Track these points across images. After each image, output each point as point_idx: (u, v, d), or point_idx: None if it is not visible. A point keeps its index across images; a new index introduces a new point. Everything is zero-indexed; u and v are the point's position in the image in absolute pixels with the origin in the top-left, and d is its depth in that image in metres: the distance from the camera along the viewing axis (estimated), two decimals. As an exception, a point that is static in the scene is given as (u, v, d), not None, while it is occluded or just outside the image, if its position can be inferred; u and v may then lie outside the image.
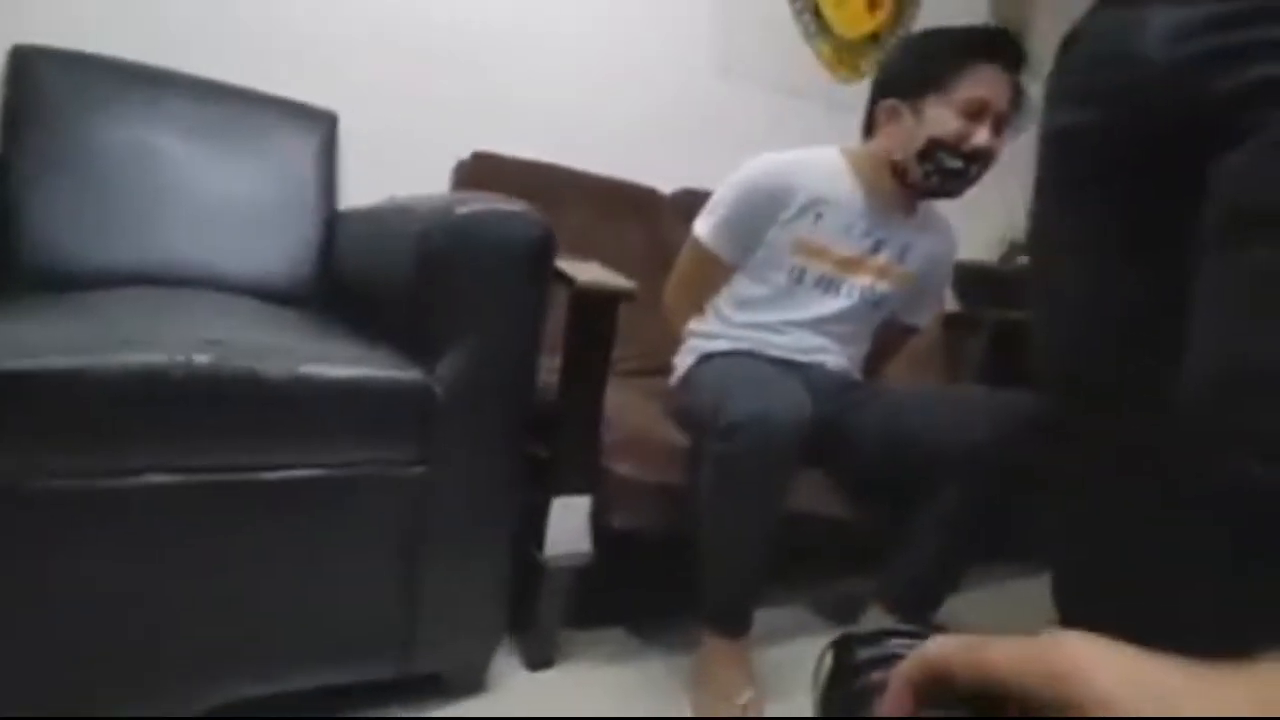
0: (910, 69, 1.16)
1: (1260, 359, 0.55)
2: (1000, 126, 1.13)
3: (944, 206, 1.32)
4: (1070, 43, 0.79)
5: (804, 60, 2.15)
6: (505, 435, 0.98)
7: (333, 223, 1.36)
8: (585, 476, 1.08)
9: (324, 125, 1.41)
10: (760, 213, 1.23)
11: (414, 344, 0.90)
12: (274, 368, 0.78)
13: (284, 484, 0.81)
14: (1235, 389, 0.58)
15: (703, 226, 1.28)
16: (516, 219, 0.91)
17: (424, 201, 0.98)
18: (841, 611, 1.33)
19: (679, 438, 1.12)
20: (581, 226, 1.63)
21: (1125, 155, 0.72)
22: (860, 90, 2.20)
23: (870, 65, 2.24)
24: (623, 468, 1.05)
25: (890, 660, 0.30)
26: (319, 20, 1.52)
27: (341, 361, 0.85)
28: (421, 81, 1.63)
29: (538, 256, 0.93)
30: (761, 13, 2.06)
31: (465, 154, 1.61)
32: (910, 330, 1.40)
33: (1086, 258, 0.80)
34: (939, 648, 0.26)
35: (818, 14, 2.13)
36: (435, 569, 0.94)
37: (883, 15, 2.26)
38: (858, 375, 1.32)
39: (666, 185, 1.87)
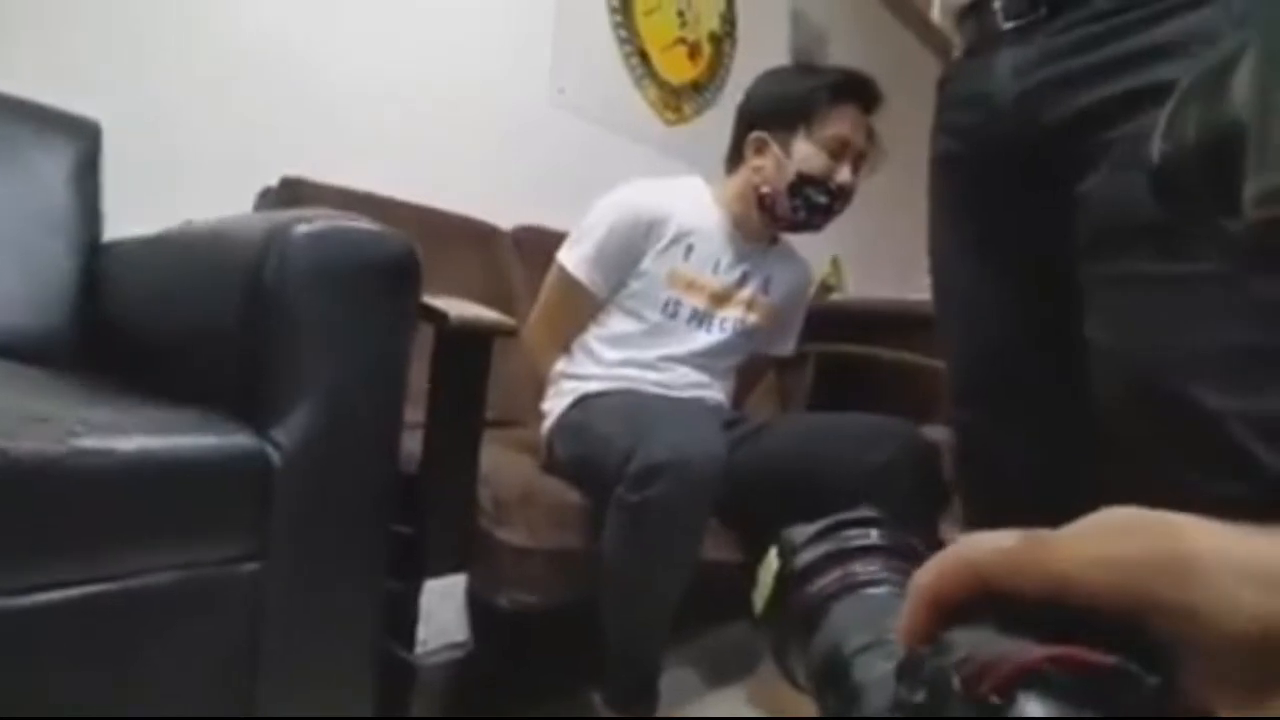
0: (780, 103, 1.16)
1: (1155, 363, 0.57)
2: (858, 165, 1.17)
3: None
4: (942, 84, 0.83)
5: (633, 102, 2.15)
6: (363, 511, 0.78)
7: (96, 257, 1.06)
8: (460, 551, 0.90)
9: (83, 138, 1.11)
10: (633, 242, 1.15)
11: (241, 402, 0.69)
12: (31, 445, 0.54)
13: (65, 606, 0.56)
14: (1141, 397, 0.59)
15: (570, 256, 1.17)
16: (376, 239, 0.74)
17: (245, 224, 0.78)
18: (735, 663, 1.25)
19: (569, 493, 0.98)
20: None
21: (988, 182, 0.75)
22: (686, 133, 2.29)
23: (693, 110, 2.31)
24: (509, 535, 0.89)
25: (845, 556, 0.25)
26: (74, 8, 1.22)
27: (135, 430, 0.62)
28: (218, 94, 1.37)
29: (403, 286, 0.77)
30: (594, 54, 2.04)
31: (272, 180, 1.36)
32: (773, 361, 1.39)
33: (966, 276, 0.82)
34: (978, 548, 0.18)
35: (644, 58, 2.15)
36: (277, 688, 0.71)
37: (702, 64, 2.33)
38: (733, 410, 1.27)
39: (499, 220, 1.75)
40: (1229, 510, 0.56)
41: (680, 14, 2.26)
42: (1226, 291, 0.54)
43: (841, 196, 1.16)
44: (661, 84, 2.21)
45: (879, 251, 3.20)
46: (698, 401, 1.15)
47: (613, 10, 2.05)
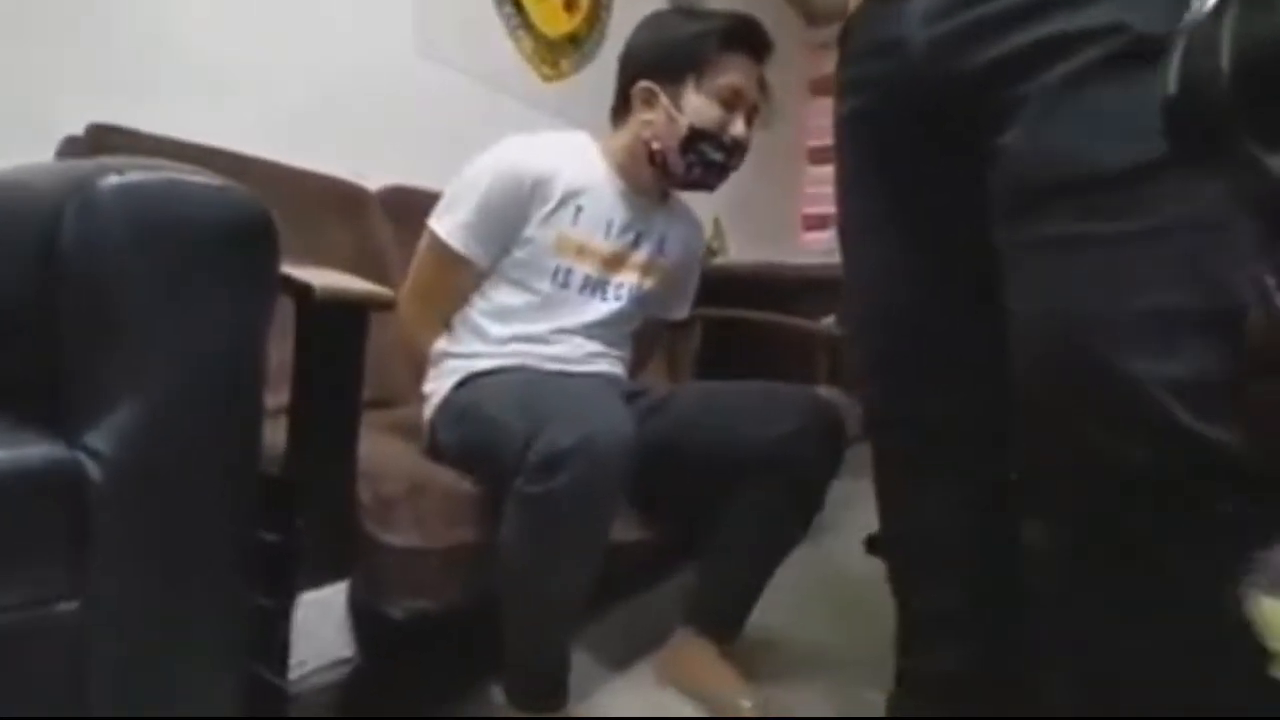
0: (667, 51, 1.07)
1: (1076, 328, 0.56)
2: (751, 118, 1.11)
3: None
4: (845, 35, 0.78)
5: (507, 53, 2.01)
6: (216, 522, 0.66)
7: None
8: (339, 557, 0.79)
9: None
10: (516, 206, 1.04)
11: (43, 403, 0.55)
12: None
13: None
14: (1061, 364, 0.58)
15: (445, 224, 1.05)
16: (213, 194, 0.61)
17: (36, 176, 0.61)
18: (641, 639, 1.20)
19: (461, 483, 0.88)
20: (281, 233, 1.27)
21: (901, 139, 0.71)
22: (565, 89, 2.17)
23: (571, 65, 2.19)
24: (396, 536, 0.79)
25: None
26: None
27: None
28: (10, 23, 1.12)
29: (253, 252, 0.64)
30: (465, 2, 1.87)
31: (77, 129, 1.14)
32: (669, 325, 1.34)
33: (879, 240, 0.79)
34: None
35: (518, 7, 2.00)
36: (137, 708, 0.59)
37: (579, 17, 2.21)
38: (631, 381, 1.21)
39: (365, 181, 1.58)
40: (1151, 480, 0.54)
41: (555, -38, 2.12)
42: (1151, 250, 0.52)
43: (737, 151, 1.10)
44: (538, 37, 2.08)
45: (755, 214, 3.24)
46: (597, 376, 1.08)
47: (482, -49, 1.89)
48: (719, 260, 2.75)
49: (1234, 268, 0.51)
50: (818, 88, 3.77)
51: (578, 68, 2.21)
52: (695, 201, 1.27)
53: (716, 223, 2.88)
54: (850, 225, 0.81)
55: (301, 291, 0.71)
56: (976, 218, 0.65)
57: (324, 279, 0.75)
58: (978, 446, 0.77)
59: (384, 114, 1.71)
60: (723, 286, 2.44)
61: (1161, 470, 0.51)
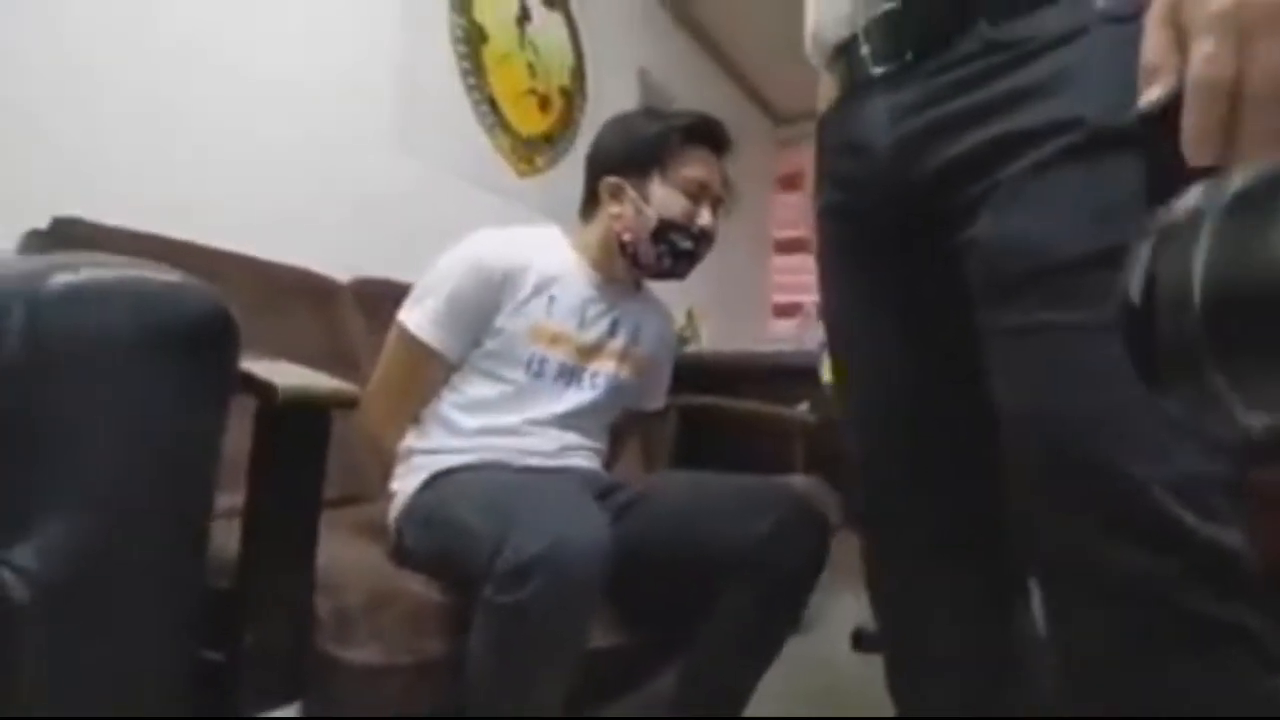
0: (632, 148, 1.11)
1: (1080, 420, 0.55)
2: (716, 209, 1.14)
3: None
4: (820, 129, 0.81)
5: (483, 149, 2.06)
6: (156, 644, 0.60)
7: None
8: (291, 677, 0.72)
9: None
10: (487, 297, 1.04)
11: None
12: None
13: None
14: (1058, 464, 0.56)
15: (415, 317, 1.04)
16: (167, 293, 0.58)
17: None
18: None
19: (428, 589, 0.83)
20: (246, 324, 1.24)
21: (877, 234, 0.72)
22: (539, 185, 2.22)
23: (545, 162, 2.25)
24: (356, 654, 0.73)
25: None
26: None
27: None
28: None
29: (209, 354, 0.61)
30: (440, 98, 1.93)
31: (41, 222, 1.12)
32: (645, 418, 1.32)
33: (865, 332, 0.78)
34: None
35: (494, 106, 2.07)
36: None
37: (553, 117, 2.29)
38: (607, 475, 1.17)
39: (337, 274, 1.57)
40: (1155, 588, 0.50)
41: (530, 65, 2.21)
42: None
43: (705, 240, 1.12)
44: (514, 134, 2.14)
45: (726, 302, 3.29)
46: (571, 472, 1.04)
47: (460, 56, 1.96)
48: (692, 348, 2.77)
49: None
50: (784, 183, 3.92)
51: (552, 164, 2.27)
52: (668, 291, 1.28)
53: (690, 313, 2.92)
54: (834, 317, 0.81)
55: (264, 391, 0.68)
56: (960, 308, 0.64)
57: (287, 378, 0.72)
58: (975, 545, 0.75)
59: (359, 206, 1.72)
60: (697, 374, 2.45)
61: (1167, 577, 0.49)
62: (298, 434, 0.72)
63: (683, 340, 2.87)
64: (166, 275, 0.60)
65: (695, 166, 1.09)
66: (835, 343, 0.81)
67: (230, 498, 0.71)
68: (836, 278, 0.80)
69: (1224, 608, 0.48)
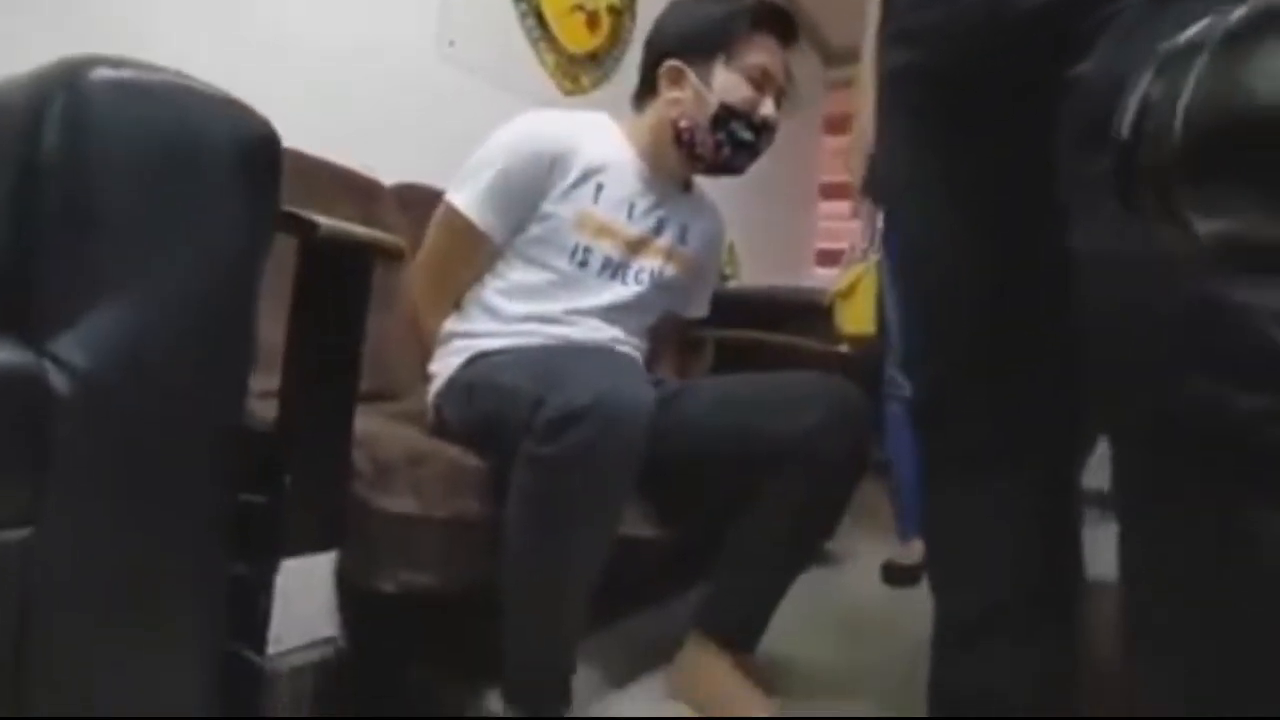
0: (697, 30, 1.06)
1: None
2: (780, 101, 1.09)
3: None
4: None
5: (529, 65, 2.01)
6: (193, 468, 0.60)
7: None
8: (329, 522, 0.72)
9: None
10: (535, 178, 1.01)
11: (12, 306, 0.50)
12: None
13: None
14: (1151, 295, 0.52)
15: (462, 195, 1.02)
16: (217, 105, 0.57)
17: (30, 74, 0.58)
18: (650, 655, 1.12)
19: (467, 456, 0.82)
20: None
21: (957, 90, 0.66)
22: (583, 104, 2.17)
23: (591, 81, 2.20)
24: (391, 502, 0.73)
25: None
26: None
27: None
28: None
29: (260, 173, 0.59)
30: (489, 10, 1.89)
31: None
32: (688, 323, 1.29)
33: (934, 205, 0.74)
34: None
35: (540, 20, 2.01)
36: (59, 706, 0.52)
37: (601, 35, 2.23)
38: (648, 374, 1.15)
39: (383, 177, 1.56)
40: (1254, 423, 0.46)
41: (580, -19, 2.14)
42: None
43: (766, 132, 1.07)
44: (560, 51, 2.09)
45: (768, 246, 3.22)
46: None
47: (508, -37, 1.91)
48: (732, 284, 2.72)
49: None
50: (832, 125, 3.80)
51: (597, 84, 2.21)
52: None
53: (730, 248, 2.86)
54: (899, 191, 0.76)
55: (305, 229, 0.67)
56: (1043, 171, 0.60)
57: (329, 221, 0.70)
58: (1047, 434, 0.71)
59: (402, 112, 1.70)
60: (736, 310, 2.41)
61: (1261, 412, 0.45)
62: (337, 278, 0.70)
63: (723, 277, 2.82)
64: (216, 89, 0.58)
65: (761, 53, 1.04)
66: (898, 223, 0.77)
67: (268, 380, 0.71)
68: (902, 149, 0.75)
69: None
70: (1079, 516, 0.76)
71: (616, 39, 2.28)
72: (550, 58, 2.06)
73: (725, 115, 1.03)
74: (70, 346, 0.50)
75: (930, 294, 0.74)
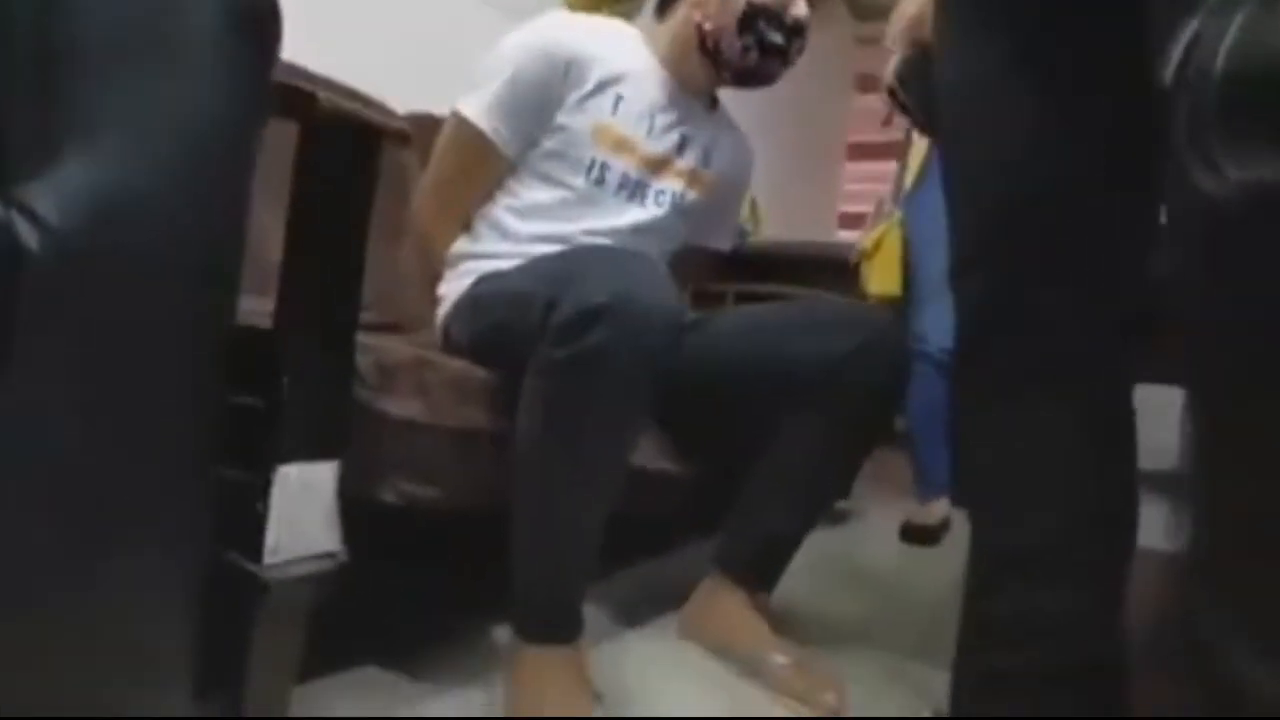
0: None
1: None
2: (812, 2, 1.01)
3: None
4: None
5: (549, -2, 1.93)
6: (182, 357, 0.56)
7: None
8: (332, 428, 0.68)
9: None
10: (549, 85, 0.95)
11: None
12: None
13: None
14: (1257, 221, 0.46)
15: (472, 104, 0.96)
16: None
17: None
18: (663, 597, 1.08)
19: (475, 369, 0.78)
20: (289, 129, 1.20)
21: None
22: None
23: (614, 12, 2.11)
24: (395, 407, 0.68)
25: None
26: None
27: None
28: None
29: (252, 30, 0.54)
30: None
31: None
32: (711, 256, 1.23)
33: (997, 102, 0.67)
34: None
35: (562, -50, 1.93)
36: (45, 610, 0.48)
37: (625, -30, 2.13)
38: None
39: (392, 104, 1.50)
40: None
41: (602, -89, 2.05)
42: None
43: (797, 35, 0.99)
44: (580, -18, 2.01)
45: (792, 206, 3.13)
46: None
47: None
48: (754, 239, 2.65)
49: None
50: (863, 84, 3.67)
51: (618, 12, 2.13)
52: None
53: (753, 203, 2.78)
54: (960, 90, 0.69)
55: (304, 104, 0.61)
56: (1120, 64, 0.53)
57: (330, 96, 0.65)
58: (1102, 355, 0.65)
59: (415, 40, 1.64)
60: (760, 265, 2.34)
61: None
62: (340, 159, 0.65)
63: (743, 231, 2.75)
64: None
65: None
66: (960, 115, 0.70)
67: (262, 301, 0.66)
68: (965, 39, 0.68)
69: None
70: (1132, 453, 0.70)
71: (641, -24, 2.19)
72: (571, -7, 1.99)
73: (753, 14, 0.96)
74: (40, 197, 0.45)
75: (983, 193, 0.67)
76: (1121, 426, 0.69)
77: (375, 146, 0.67)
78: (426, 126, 1.53)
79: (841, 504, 2.11)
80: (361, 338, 0.72)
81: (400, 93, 1.52)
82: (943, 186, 0.73)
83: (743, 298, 2.16)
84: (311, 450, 0.68)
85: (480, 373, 0.77)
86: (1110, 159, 0.61)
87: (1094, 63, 0.60)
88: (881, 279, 1.87)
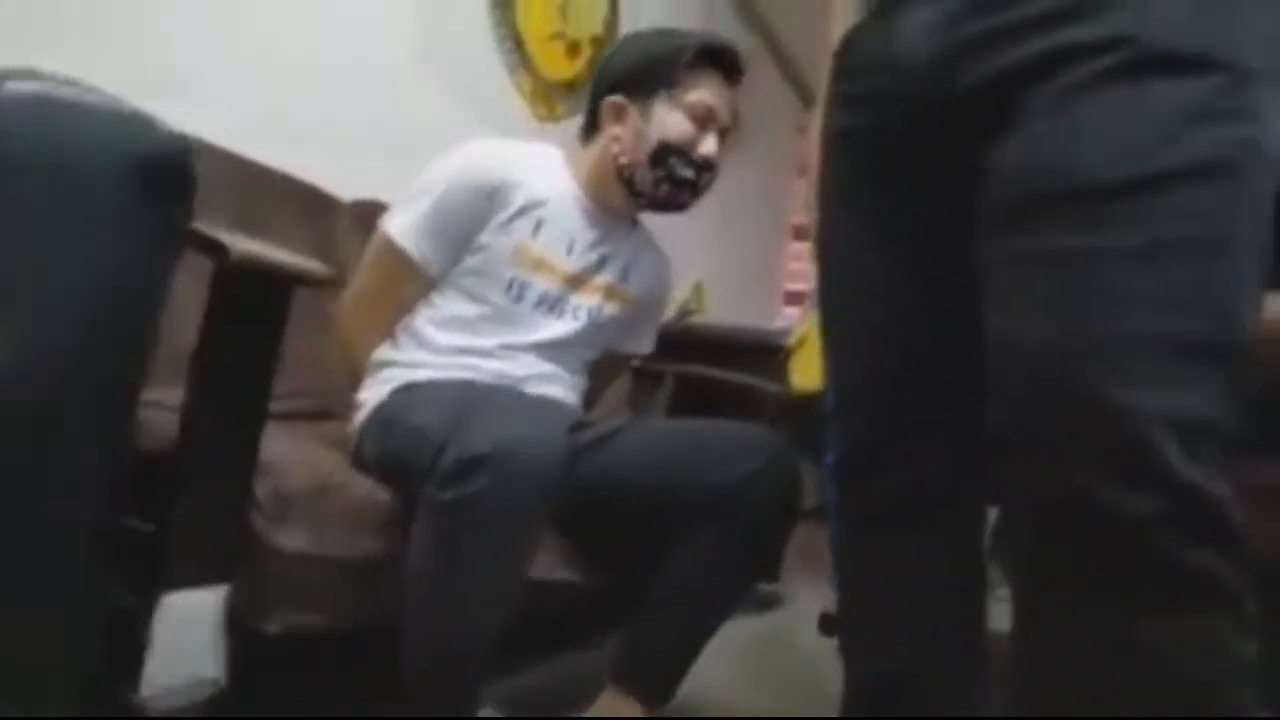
0: (640, 66, 1.06)
1: (1082, 350, 0.51)
2: (723, 139, 1.09)
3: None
4: (842, 50, 0.76)
5: (505, 89, 2.01)
6: (74, 484, 0.57)
7: None
8: (222, 557, 0.70)
9: None
10: (474, 209, 1.00)
11: None
12: None
13: None
14: (1042, 392, 0.52)
15: (398, 223, 1.01)
16: (127, 122, 0.55)
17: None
18: (568, 701, 1.09)
19: (379, 491, 0.80)
20: (226, 222, 1.22)
21: (894, 157, 0.67)
22: (557, 132, 2.17)
23: (567, 110, 2.20)
24: (286, 538, 0.70)
25: None
26: None
27: None
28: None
29: (165, 192, 0.58)
30: (464, 28, 1.89)
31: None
32: (626, 360, 1.28)
33: (864, 264, 0.74)
34: None
35: (520, 45, 2.02)
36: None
37: (580, 64, 2.24)
38: (581, 412, 1.14)
39: (342, 193, 1.54)
40: (1134, 526, 0.47)
41: (562, 10, 2.16)
42: (1151, 269, 0.48)
43: (707, 170, 1.06)
44: (537, 77, 2.09)
45: (737, 285, 3.23)
46: (541, 396, 1.01)
47: (489, -12, 1.92)
48: (698, 319, 2.72)
49: (1239, 295, 0.47)
50: (806, 169, 3.84)
51: (573, 112, 2.21)
52: (676, 261, 1.24)
53: (698, 286, 2.87)
54: (831, 249, 0.77)
55: (216, 251, 0.65)
56: (969, 241, 0.61)
57: (248, 244, 0.68)
58: (961, 500, 0.71)
59: (371, 131, 1.68)
60: (698, 346, 2.41)
61: (1148, 517, 0.45)
62: (252, 301, 0.68)
63: (687, 312, 2.83)
64: (127, 105, 0.56)
65: (703, 90, 1.04)
66: (828, 279, 0.77)
67: (174, 392, 0.69)
68: (843, 207, 0.76)
69: (1205, 555, 0.44)
70: (985, 582, 0.77)
71: (595, 68, 2.29)
72: (527, 84, 2.07)
73: (664, 152, 1.03)
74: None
75: (851, 350, 0.74)
76: (976, 559, 0.75)
77: (287, 290, 0.70)
78: (372, 213, 1.57)
79: (769, 587, 2.15)
80: (267, 455, 0.74)
81: (354, 177, 1.56)
82: (820, 336, 0.80)
83: (681, 379, 2.21)
84: (199, 577, 0.69)
85: (382, 495, 0.79)
86: (949, 327, 0.67)
87: (940, 234, 0.67)
88: (804, 374, 1.94)
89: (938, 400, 0.70)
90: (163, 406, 0.71)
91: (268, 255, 0.68)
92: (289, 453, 0.80)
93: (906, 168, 0.68)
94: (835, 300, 0.77)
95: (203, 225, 0.64)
